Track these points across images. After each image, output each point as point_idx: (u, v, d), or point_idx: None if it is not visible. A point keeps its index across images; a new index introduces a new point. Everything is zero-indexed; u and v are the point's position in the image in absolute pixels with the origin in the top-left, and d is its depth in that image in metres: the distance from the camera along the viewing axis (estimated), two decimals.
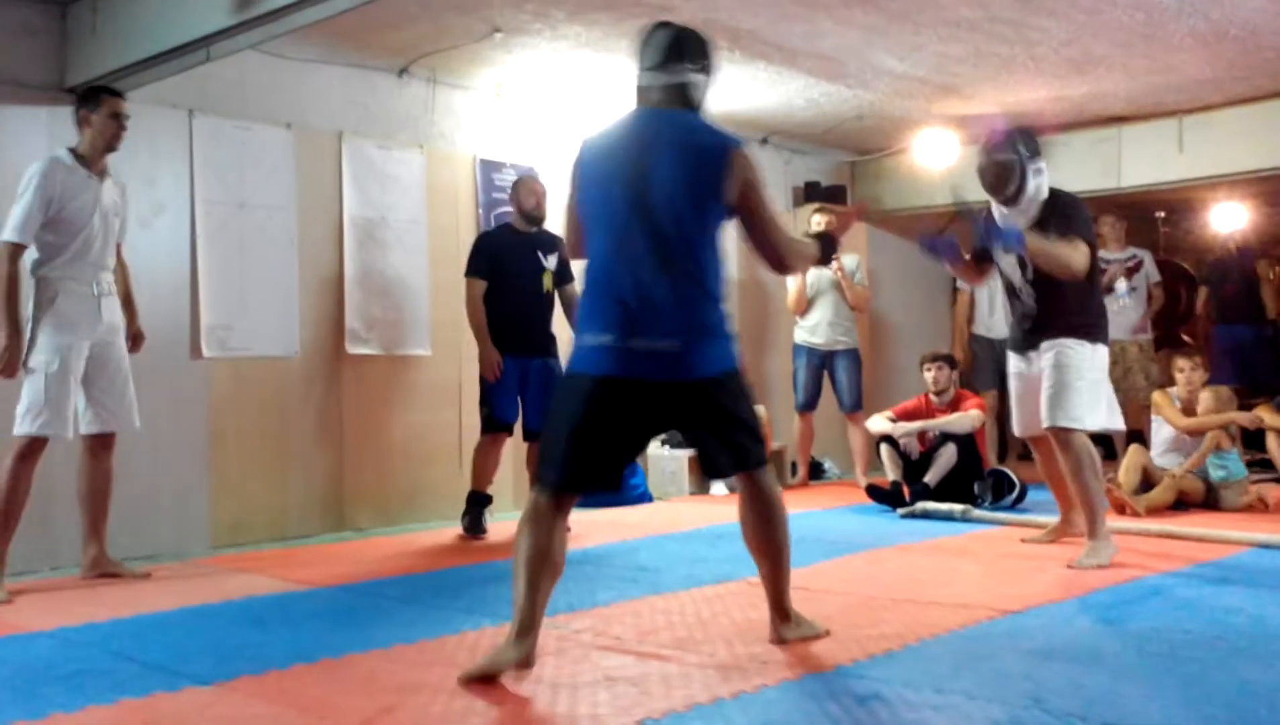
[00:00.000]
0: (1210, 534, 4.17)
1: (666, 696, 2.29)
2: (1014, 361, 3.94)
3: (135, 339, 3.87)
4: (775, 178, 6.68)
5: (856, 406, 6.10)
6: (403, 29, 4.62)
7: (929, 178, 6.73)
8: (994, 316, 6.39)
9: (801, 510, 5.21)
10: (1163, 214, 8.00)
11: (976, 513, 4.91)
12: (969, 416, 5.34)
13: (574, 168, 2.62)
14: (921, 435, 5.38)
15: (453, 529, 4.91)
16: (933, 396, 5.47)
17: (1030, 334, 3.80)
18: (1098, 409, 3.71)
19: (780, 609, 2.71)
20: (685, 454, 5.93)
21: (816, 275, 6.13)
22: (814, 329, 6.15)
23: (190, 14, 3.75)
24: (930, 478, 5.22)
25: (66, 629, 2.99)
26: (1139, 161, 6.17)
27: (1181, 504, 5.01)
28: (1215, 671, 2.42)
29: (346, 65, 4.96)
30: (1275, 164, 5.91)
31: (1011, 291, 3.86)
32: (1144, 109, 6.04)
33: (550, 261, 4.72)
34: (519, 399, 4.63)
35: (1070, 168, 6.54)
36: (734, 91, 5.66)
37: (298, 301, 4.79)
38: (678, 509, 5.45)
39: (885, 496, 5.24)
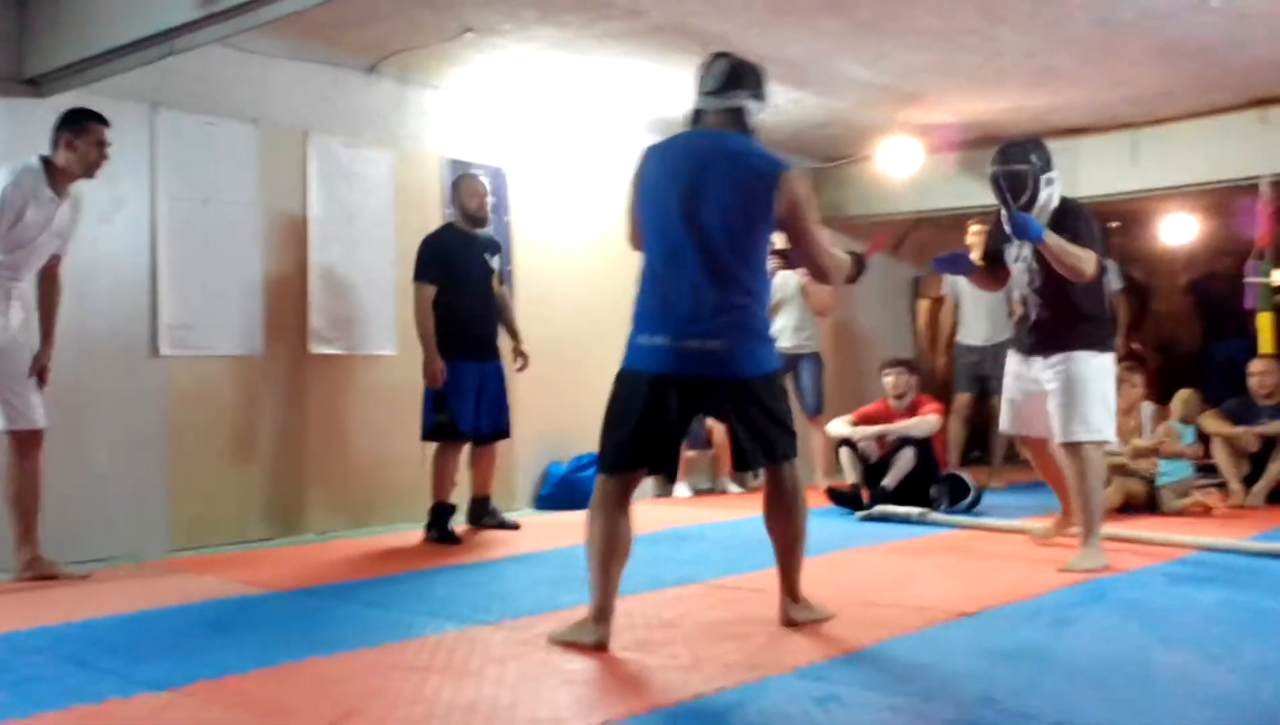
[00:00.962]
0: (1158, 538, 4.26)
1: (627, 699, 2.30)
2: (1014, 361, 3.97)
3: (41, 368, 3.71)
4: None
5: (818, 410, 6.17)
6: (372, 26, 4.59)
7: (892, 185, 6.82)
8: (976, 324, 6.47)
9: (761, 513, 5.25)
10: (1116, 223, 8.18)
11: (933, 515, 4.99)
12: (927, 421, 5.41)
13: (635, 173, 2.86)
14: (880, 439, 5.44)
15: (417, 531, 4.89)
16: (892, 401, 5.54)
17: (1040, 343, 3.83)
18: (1111, 419, 3.81)
19: (792, 593, 2.95)
20: None
21: (782, 281, 6.20)
22: (779, 333, 6.19)
23: (154, 7, 3.70)
24: (889, 481, 5.28)
25: (16, 633, 2.93)
26: (1095, 172, 6.29)
27: (1127, 506, 5.12)
28: (1162, 672, 2.48)
29: (314, 61, 4.92)
30: (1225, 176, 6.07)
31: (1021, 303, 3.90)
32: (1101, 121, 6.16)
33: (494, 262, 4.72)
34: (477, 404, 4.58)
35: None
36: None
37: (261, 300, 4.74)
38: (641, 511, 5.37)
39: (845, 499, 5.30)
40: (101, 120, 3.69)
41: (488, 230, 4.77)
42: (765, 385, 2.75)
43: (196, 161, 4.56)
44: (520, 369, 4.85)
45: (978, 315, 6.45)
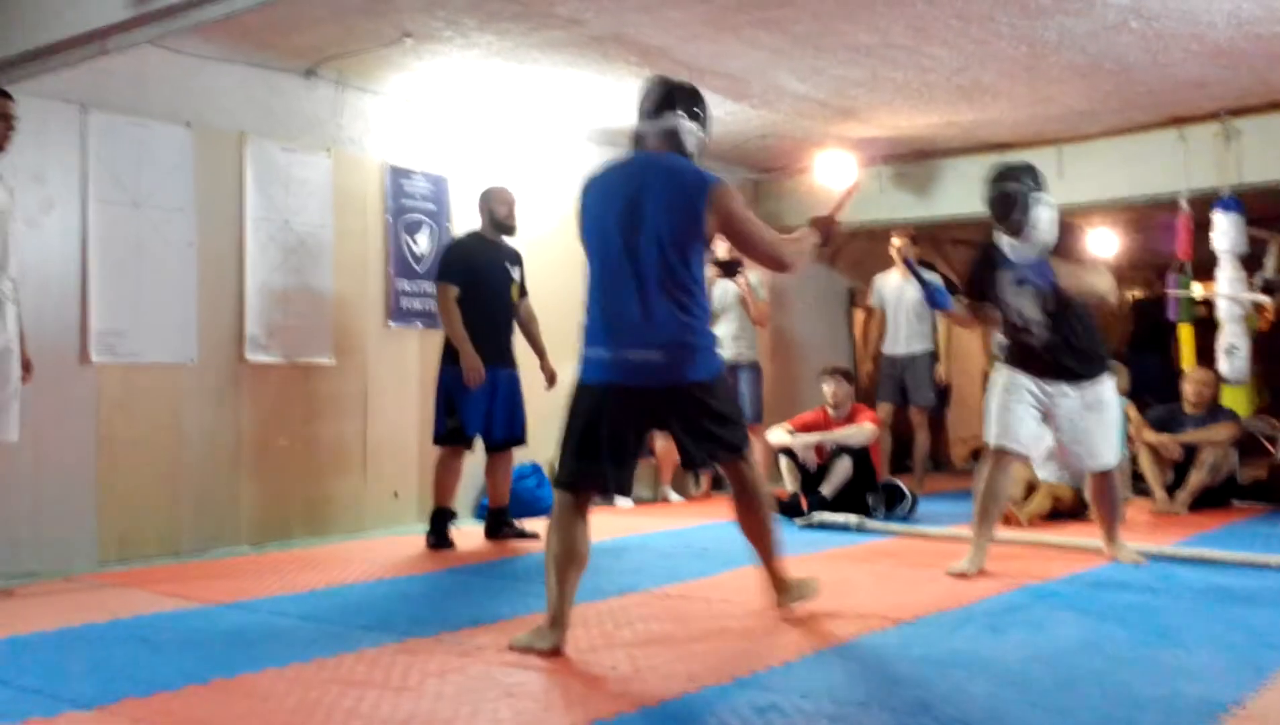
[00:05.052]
0: (1086, 544, 4.39)
1: (568, 711, 2.31)
2: (1025, 382, 3.89)
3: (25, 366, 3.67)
4: None
5: (757, 418, 6.24)
6: (309, 30, 4.54)
7: (828, 196, 6.92)
8: (899, 336, 6.61)
9: (703, 522, 5.30)
10: None
11: (870, 523, 5.08)
12: (864, 430, 5.50)
13: (577, 204, 2.96)
14: (819, 447, 5.52)
15: (354, 543, 4.83)
16: (830, 409, 5.62)
17: (1059, 369, 3.85)
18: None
19: (777, 582, 3.12)
20: None
21: (722, 290, 6.28)
22: (719, 343, 6.25)
23: (85, 5, 3.61)
24: (827, 489, 5.37)
25: None
26: None
27: (1055, 513, 5.27)
28: (1091, 677, 2.56)
29: (250, 64, 4.84)
30: (1146, 192, 6.30)
31: (1017, 327, 3.90)
32: (1027, 137, 6.35)
33: (515, 273, 4.72)
34: (487, 411, 4.56)
35: (959, 191, 6.85)
36: None
37: (195, 306, 4.64)
38: (591, 515, 5.45)
39: (784, 507, 5.36)
40: (3, 93, 3.58)
41: (512, 241, 4.77)
42: (707, 389, 2.85)
43: (129, 164, 4.45)
44: (549, 387, 4.73)
45: (898, 326, 6.60)
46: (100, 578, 3.97)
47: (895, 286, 6.63)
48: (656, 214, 2.80)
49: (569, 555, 2.80)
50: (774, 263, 3.00)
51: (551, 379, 4.78)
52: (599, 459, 2.81)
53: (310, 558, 4.39)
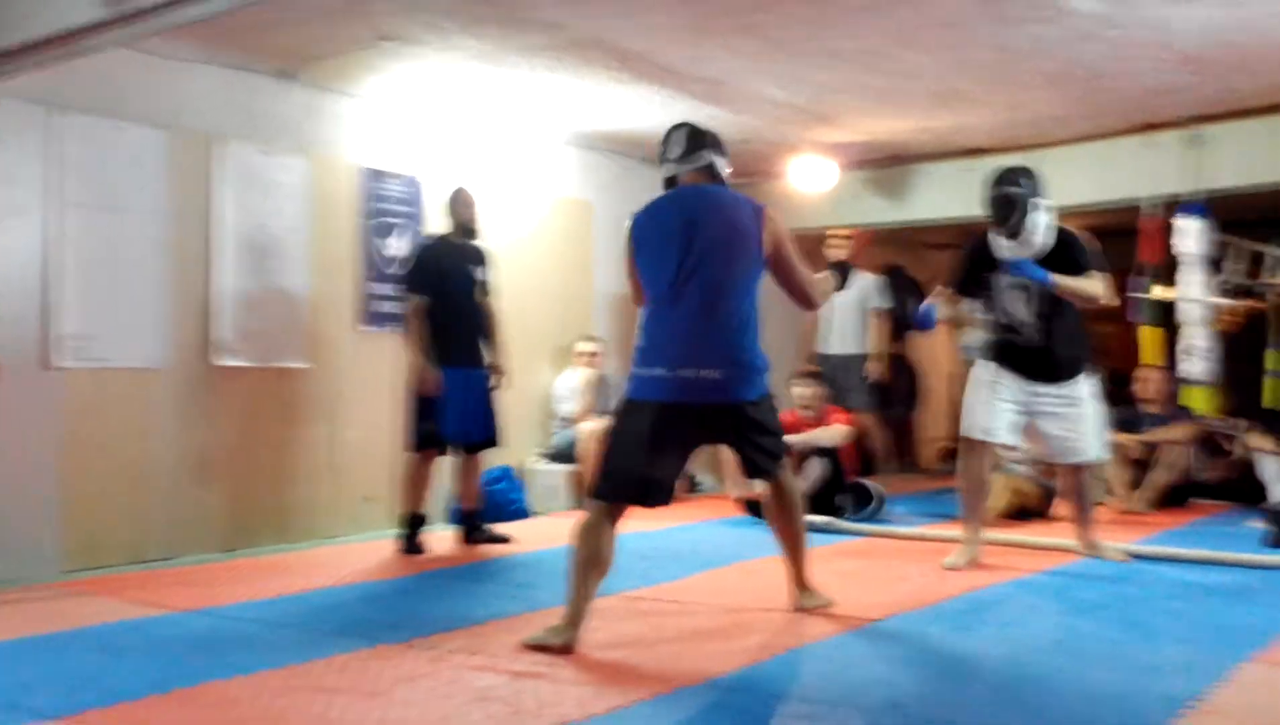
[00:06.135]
0: (1053, 543, 4.43)
1: (539, 714, 2.30)
2: (1009, 382, 3.95)
3: None
4: None
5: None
6: (286, 32, 4.50)
7: (805, 201, 6.98)
8: (832, 336, 6.60)
9: (676, 524, 5.30)
10: None
11: (841, 523, 5.11)
12: (836, 431, 5.54)
13: (626, 240, 3.12)
14: (790, 449, 5.54)
15: (325, 548, 4.79)
16: (800, 411, 5.65)
17: (1047, 368, 3.91)
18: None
19: (800, 582, 3.29)
20: (565, 469, 5.94)
21: None
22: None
23: (57, 6, 3.56)
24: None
25: None
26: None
27: (1022, 512, 5.31)
28: (1057, 673, 2.58)
29: (226, 66, 4.80)
30: (1114, 197, 6.37)
31: (1004, 326, 3.96)
32: (1001, 142, 6.40)
33: (479, 274, 4.71)
34: (463, 414, 4.54)
35: (935, 196, 6.90)
36: (623, 112, 5.73)
37: (165, 310, 4.59)
38: (556, 524, 5.43)
39: (757, 509, 5.36)
40: None
41: (476, 241, 4.75)
42: (757, 406, 3.02)
43: (99, 167, 4.40)
44: (494, 387, 4.74)
45: (830, 326, 6.59)
46: (63, 586, 3.91)
47: None
48: (713, 238, 2.95)
49: (594, 560, 2.89)
50: (806, 296, 3.18)
51: (501, 378, 4.77)
52: (646, 476, 2.93)
53: (280, 563, 4.35)
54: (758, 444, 3.05)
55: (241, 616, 3.32)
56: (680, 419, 2.92)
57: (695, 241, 2.95)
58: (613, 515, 2.95)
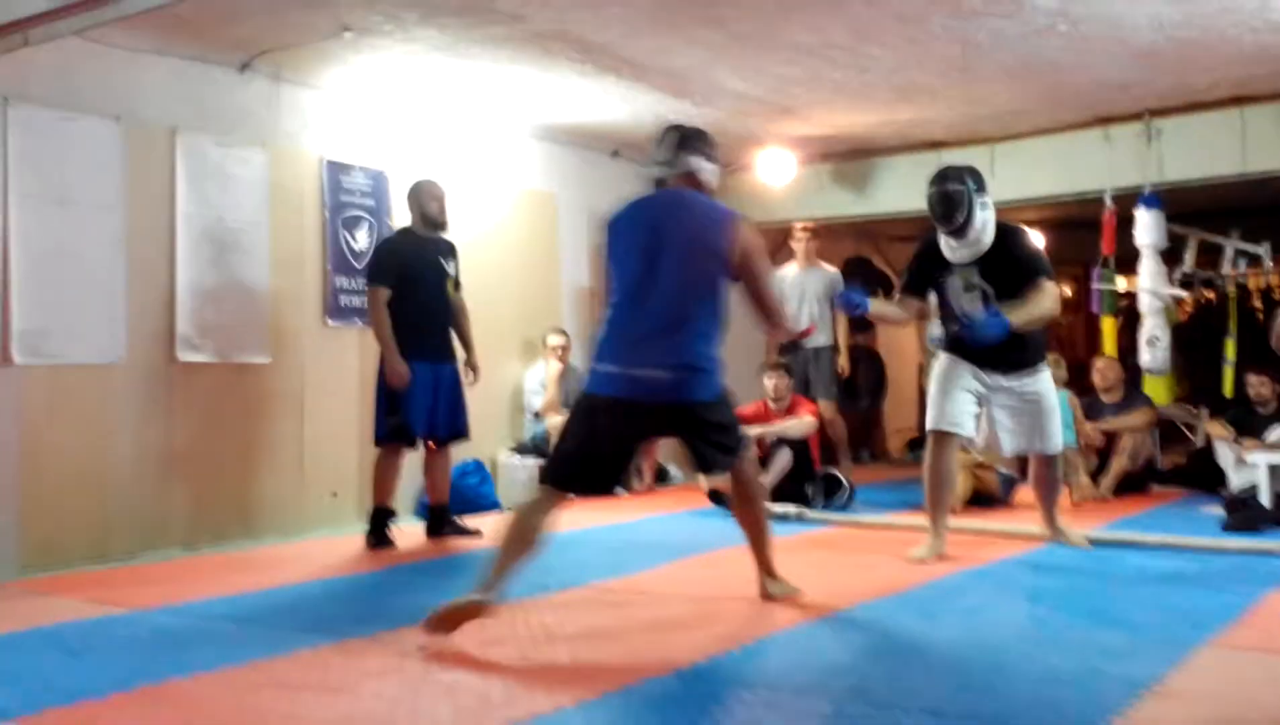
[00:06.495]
0: (1017, 530, 4.50)
1: (508, 706, 2.30)
2: (967, 372, 3.97)
3: None
4: (626, 189, 6.78)
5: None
6: (244, 22, 4.45)
7: (769, 194, 7.01)
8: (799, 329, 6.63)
9: (646, 515, 5.33)
10: None
11: (810, 513, 5.15)
12: (803, 422, 5.58)
13: (604, 240, 3.16)
14: (759, 439, 5.58)
15: (292, 544, 4.75)
16: (770, 403, 5.69)
17: (1006, 362, 3.93)
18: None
19: (767, 570, 3.32)
20: (536, 462, 5.93)
21: None
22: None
23: None
24: (767, 480, 5.41)
25: None
26: None
27: (985, 500, 5.40)
28: (1021, 659, 2.63)
29: (183, 57, 4.72)
30: (1073, 190, 6.48)
31: (959, 321, 3.95)
32: (961, 136, 6.49)
33: (450, 267, 4.68)
34: (431, 407, 4.51)
35: (896, 189, 6.97)
36: (586, 104, 5.73)
37: (124, 305, 4.52)
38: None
39: (726, 500, 5.40)
40: None
41: (445, 234, 4.71)
42: (709, 407, 3.04)
43: (53, 160, 4.32)
44: (472, 383, 4.73)
45: (800, 319, 6.58)
46: (22, 585, 3.84)
47: (796, 279, 6.64)
48: (680, 243, 2.98)
49: (524, 539, 2.91)
50: (771, 311, 3.17)
51: (476, 373, 4.76)
52: (591, 466, 2.98)
53: (245, 560, 4.31)
54: (708, 439, 3.07)
55: (206, 613, 3.28)
56: (628, 415, 2.96)
57: (661, 247, 2.98)
58: (554, 500, 2.98)
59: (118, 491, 4.47)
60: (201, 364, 4.77)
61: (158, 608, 3.36)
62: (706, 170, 3.15)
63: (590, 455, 2.98)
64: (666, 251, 2.98)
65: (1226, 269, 6.97)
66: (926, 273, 4.06)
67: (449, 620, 2.76)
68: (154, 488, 4.59)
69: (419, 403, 4.48)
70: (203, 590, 3.61)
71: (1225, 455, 5.62)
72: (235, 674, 2.58)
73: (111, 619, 3.23)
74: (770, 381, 5.69)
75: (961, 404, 3.97)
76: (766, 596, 3.29)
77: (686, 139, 3.16)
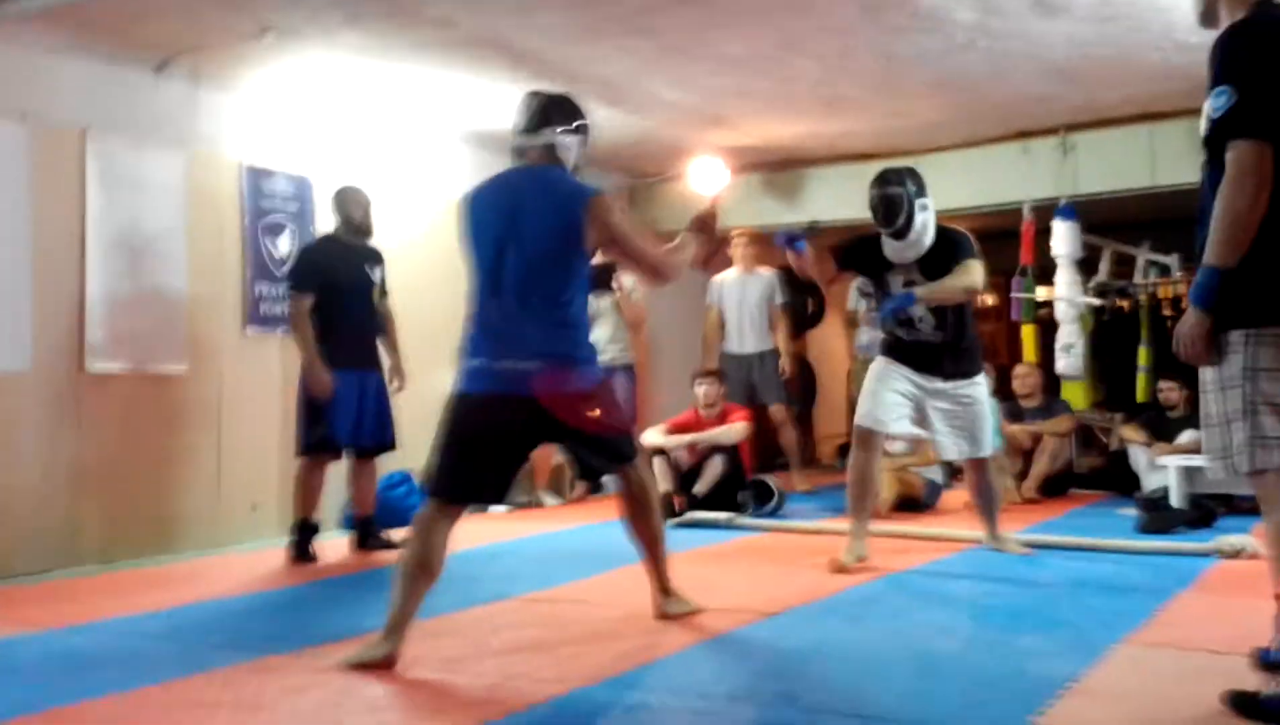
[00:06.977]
0: (950, 534, 4.60)
1: (433, 721, 2.26)
2: (902, 373, 4.02)
3: None
4: None
5: (632, 421, 6.27)
6: (160, 21, 4.31)
7: (701, 202, 7.05)
8: (742, 335, 6.67)
9: (579, 524, 5.29)
10: None
11: (741, 520, 5.19)
12: (735, 428, 5.62)
13: (460, 221, 2.95)
14: (692, 447, 5.60)
15: (211, 559, 4.60)
16: (703, 410, 5.71)
17: (938, 364, 4.00)
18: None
19: (663, 587, 3.14)
20: None
21: (595, 295, 6.28)
22: (599, 352, 6.25)
23: None
24: (700, 488, 5.45)
25: None
26: None
27: (912, 504, 5.50)
28: (947, 661, 2.67)
29: (95, 57, 4.55)
30: (993, 201, 6.67)
31: (903, 323, 4.01)
32: (886, 147, 6.61)
33: (376, 275, 4.60)
34: (357, 417, 4.42)
35: (826, 198, 7.08)
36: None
37: (30, 312, 4.33)
38: (456, 530, 5.36)
39: (670, 510, 5.41)
40: None
41: (370, 241, 4.63)
42: (587, 399, 2.86)
43: None
44: (398, 390, 4.65)
45: (740, 326, 6.67)
46: None
47: (735, 285, 6.70)
48: (534, 226, 2.81)
49: (423, 566, 2.73)
50: (653, 272, 2.99)
51: (403, 381, 4.70)
52: (478, 469, 2.80)
53: (162, 576, 4.16)
54: (593, 440, 2.93)
55: (120, 631, 3.15)
56: (503, 412, 2.77)
57: (515, 229, 2.80)
58: (444, 516, 2.78)
59: (23, 506, 4.27)
60: (114, 374, 4.60)
61: (68, 627, 3.22)
62: (566, 144, 2.92)
63: (474, 460, 2.78)
64: (521, 235, 2.80)
65: (1139, 279, 7.24)
66: (861, 258, 4.12)
67: (363, 669, 2.62)
68: (64, 503, 4.40)
69: (344, 412, 4.39)
70: (117, 608, 3.47)
71: (1139, 459, 5.82)
72: (150, 694, 2.48)
73: (20, 639, 3.08)
74: (701, 389, 5.72)
75: (889, 404, 4.01)
76: (663, 616, 3.10)
77: (547, 110, 2.94)
